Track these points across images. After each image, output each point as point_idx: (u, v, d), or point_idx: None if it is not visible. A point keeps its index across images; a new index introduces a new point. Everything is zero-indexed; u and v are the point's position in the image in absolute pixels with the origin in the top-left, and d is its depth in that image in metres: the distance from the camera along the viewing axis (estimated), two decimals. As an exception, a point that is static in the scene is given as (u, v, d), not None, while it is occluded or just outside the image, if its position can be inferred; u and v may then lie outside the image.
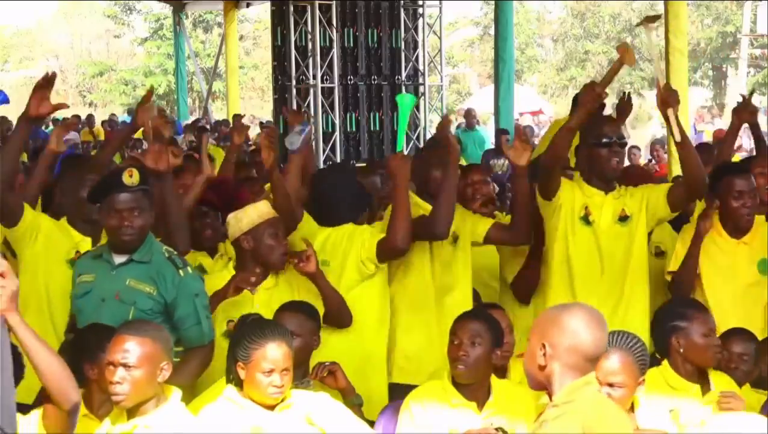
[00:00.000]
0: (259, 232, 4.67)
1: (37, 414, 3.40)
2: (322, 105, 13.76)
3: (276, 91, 14.63)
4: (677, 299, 4.93)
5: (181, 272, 4.31)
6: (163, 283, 4.28)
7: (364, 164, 9.12)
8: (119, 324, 3.77)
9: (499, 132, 13.26)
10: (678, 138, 4.78)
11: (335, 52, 13.88)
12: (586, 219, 4.95)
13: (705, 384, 4.24)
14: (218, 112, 28.31)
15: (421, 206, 5.04)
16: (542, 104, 30.47)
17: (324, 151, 13.77)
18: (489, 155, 12.69)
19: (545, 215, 5.03)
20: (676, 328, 4.24)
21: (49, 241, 4.81)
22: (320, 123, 13.78)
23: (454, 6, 34.88)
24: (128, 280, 4.30)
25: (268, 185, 5.39)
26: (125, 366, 3.51)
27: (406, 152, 4.95)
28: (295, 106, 13.89)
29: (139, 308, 4.25)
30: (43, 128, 16.66)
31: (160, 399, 3.59)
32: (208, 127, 16.52)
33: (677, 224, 5.56)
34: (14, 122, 14.17)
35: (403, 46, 14.33)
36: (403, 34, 14.30)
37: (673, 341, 4.24)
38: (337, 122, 13.99)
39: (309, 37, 13.95)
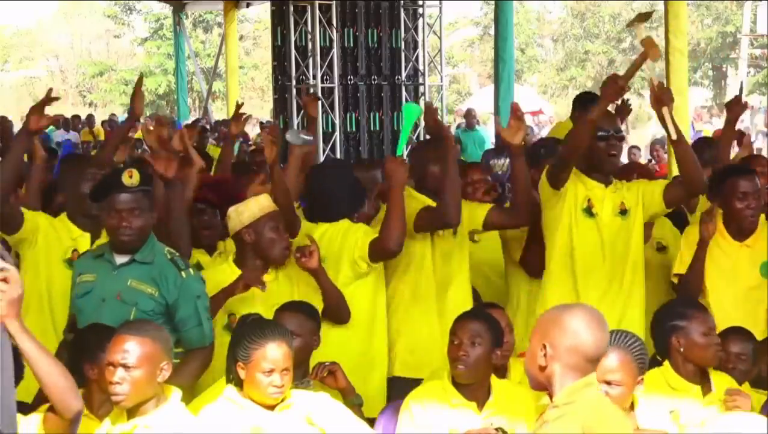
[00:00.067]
0: (260, 225, 4.67)
1: (37, 416, 3.38)
2: (322, 105, 13.73)
3: (276, 91, 14.63)
4: (676, 299, 4.93)
5: (183, 273, 4.30)
6: (165, 284, 4.27)
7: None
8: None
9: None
10: (674, 136, 4.77)
11: (335, 52, 13.87)
12: (589, 211, 4.94)
13: (706, 385, 4.24)
14: (218, 112, 28.31)
15: (417, 198, 5.05)
16: (542, 104, 30.39)
17: (324, 151, 13.75)
18: (489, 155, 12.67)
19: (548, 204, 4.98)
20: (676, 328, 4.24)
21: (48, 240, 4.83)
22: (320, 123, 13.74)
23: (454, 6, 34.89)
24: (130, 280, 4.29)
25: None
26: (125, 366, 3.51)
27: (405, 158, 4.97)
28: (295, 107, 13.91)
29: (141, 309, 4.25)
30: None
31: (160, 399, 3.60)
32: (208, 127, 16.51)
33: (676, 220, 5.55)
34: (14, 122, 14.22)
35: (403, 46, 14.31)
36: (403, 34, 14.27)
37: (673, 340, 4.24)
38: (337, 122, 13.98)
39: (309, 37, 13.94)
